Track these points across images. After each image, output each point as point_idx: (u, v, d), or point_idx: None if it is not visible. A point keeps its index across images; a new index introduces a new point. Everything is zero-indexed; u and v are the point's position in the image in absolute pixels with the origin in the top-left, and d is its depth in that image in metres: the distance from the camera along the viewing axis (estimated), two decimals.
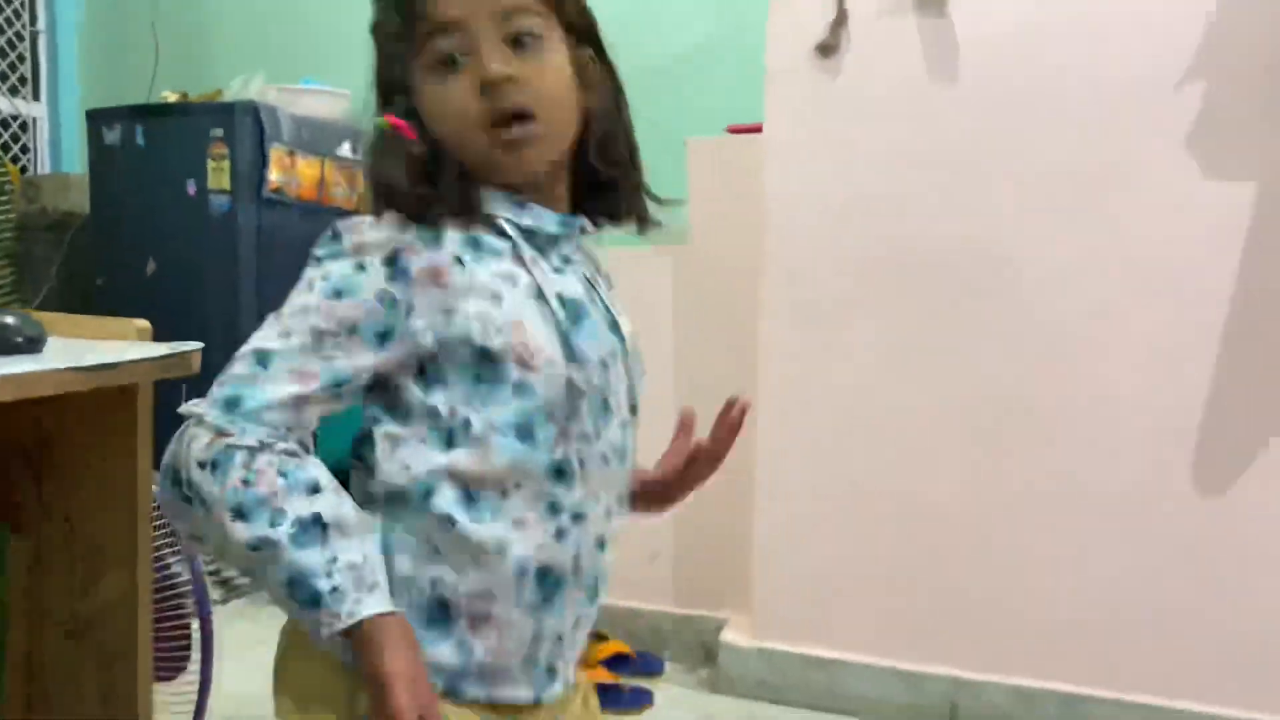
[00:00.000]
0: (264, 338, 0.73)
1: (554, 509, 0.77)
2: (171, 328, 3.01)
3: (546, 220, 0.80)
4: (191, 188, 2.81)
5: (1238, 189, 1.68)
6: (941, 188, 1.85)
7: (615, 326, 0.84)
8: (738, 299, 2.11)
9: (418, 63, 0.77)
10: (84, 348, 0.86)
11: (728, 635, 2.09)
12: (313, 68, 3.20)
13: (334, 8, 3.25)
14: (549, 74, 0.77)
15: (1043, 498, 1.82)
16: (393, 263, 0.73)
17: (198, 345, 0.88)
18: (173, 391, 0.90)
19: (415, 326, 0.73)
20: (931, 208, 1.86)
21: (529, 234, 0.79)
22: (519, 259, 0.78)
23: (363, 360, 0.73)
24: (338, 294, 0.73)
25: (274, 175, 2.81)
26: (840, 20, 1.86)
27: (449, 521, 0.73)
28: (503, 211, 0.78)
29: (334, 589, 0.67)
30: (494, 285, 0.75)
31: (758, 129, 2.04)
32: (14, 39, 3.58)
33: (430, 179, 0.76)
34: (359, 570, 0.69)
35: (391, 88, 0.79)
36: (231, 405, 0.71)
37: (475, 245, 0.76)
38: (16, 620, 0.98)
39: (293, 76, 3.11)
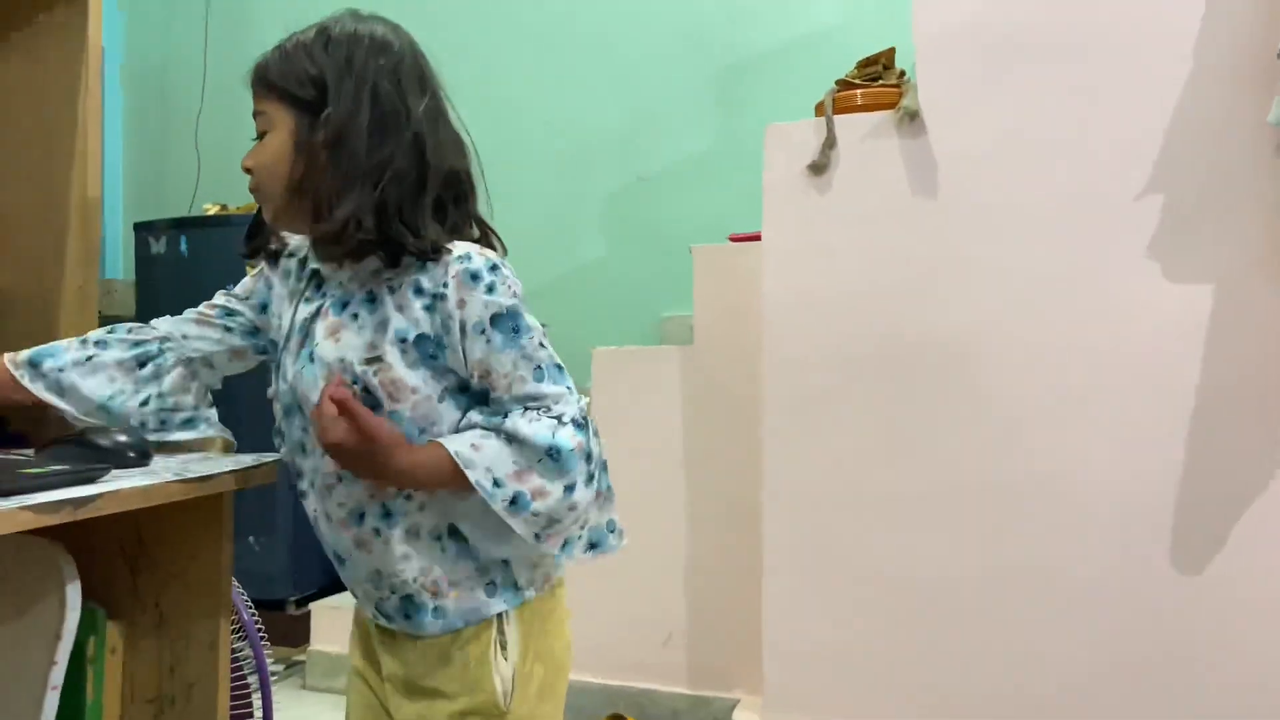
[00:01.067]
0: None
1: (298, 483, 1.06)
2: None
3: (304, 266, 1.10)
4: None
5: (1195, 290, 1.84)
6: (920, 288, 2.01)
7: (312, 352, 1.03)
8: (741, 392, 2.27)
9: None
10: (182, 459, 1.02)
11: (740, 715, 2.19)
12: None
13: None
14: (262, 157, 1.01)
15: (1021, 573, 1.94)
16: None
17: (275, 456, 1.04)
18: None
19: None
20: (912, 306, 2.02)
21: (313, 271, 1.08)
22: (299, 290, 1.08)
23: None
24: None
25: None
26: (830, 142, 2.05)
27: None
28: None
29: None
30: (280, 306, 1.11)
31: (757, 237, 2.21)
32: None
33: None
34: None
35: None
36: None
37: (285, 274, 1.12)
38: (110, 695, 1.12)
39: None
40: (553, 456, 0.93)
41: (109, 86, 3.94)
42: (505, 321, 0.96)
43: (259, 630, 1.75)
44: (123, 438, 0.98)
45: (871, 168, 2.05)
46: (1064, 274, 1.92)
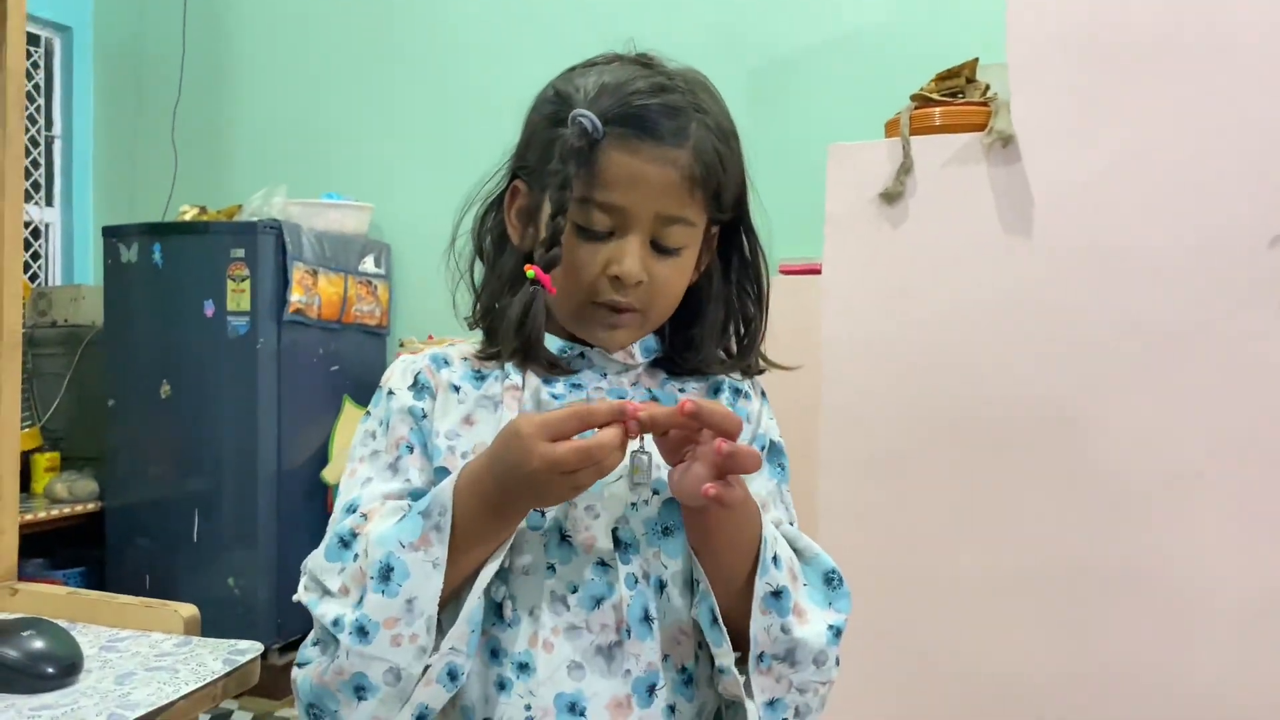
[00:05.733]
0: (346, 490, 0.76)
1: (494, 654, 0.71)
2: (187, 454, 2.85)
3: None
4: (210, 309, 2.72)
5: None
6: (1013, 340, 1.74)
7: None
8: (792, 451, 1.98)
9: (572, 211, 0.74)
10: (126, 663, 0.73)
11: None
12: (334, 181, 3.12)
13: (355, 121, 3.18)
14: (673, 280, 0.79)
15: (1119, 679, 1.68)
16: (416, 383, 0.78)
17: (256, 648, 0.75)
18: None
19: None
20: (1002, 360, 1.74)
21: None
22: (514, 385, 0.78)
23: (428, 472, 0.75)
24: (384, 424, 0.77)
25: (295, 296, 2.71)
26: (907, 167, 1.77)
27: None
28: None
29: None
30: (471, 409, 0.77)
31: (813, 270, 1.93)
32: (28, 144, 3.50)
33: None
34: None
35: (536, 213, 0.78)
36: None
37: (478, 374, 0.79)
38: None
39: (314, 189, 3.03)
40: (831, 582, 0.79)
41: (79, 67, 3.61)
42: None
43: None
44: (40, 642, 0.69)
45: (955, 198, 1.77)
46: (1185, 329, 1.64)
